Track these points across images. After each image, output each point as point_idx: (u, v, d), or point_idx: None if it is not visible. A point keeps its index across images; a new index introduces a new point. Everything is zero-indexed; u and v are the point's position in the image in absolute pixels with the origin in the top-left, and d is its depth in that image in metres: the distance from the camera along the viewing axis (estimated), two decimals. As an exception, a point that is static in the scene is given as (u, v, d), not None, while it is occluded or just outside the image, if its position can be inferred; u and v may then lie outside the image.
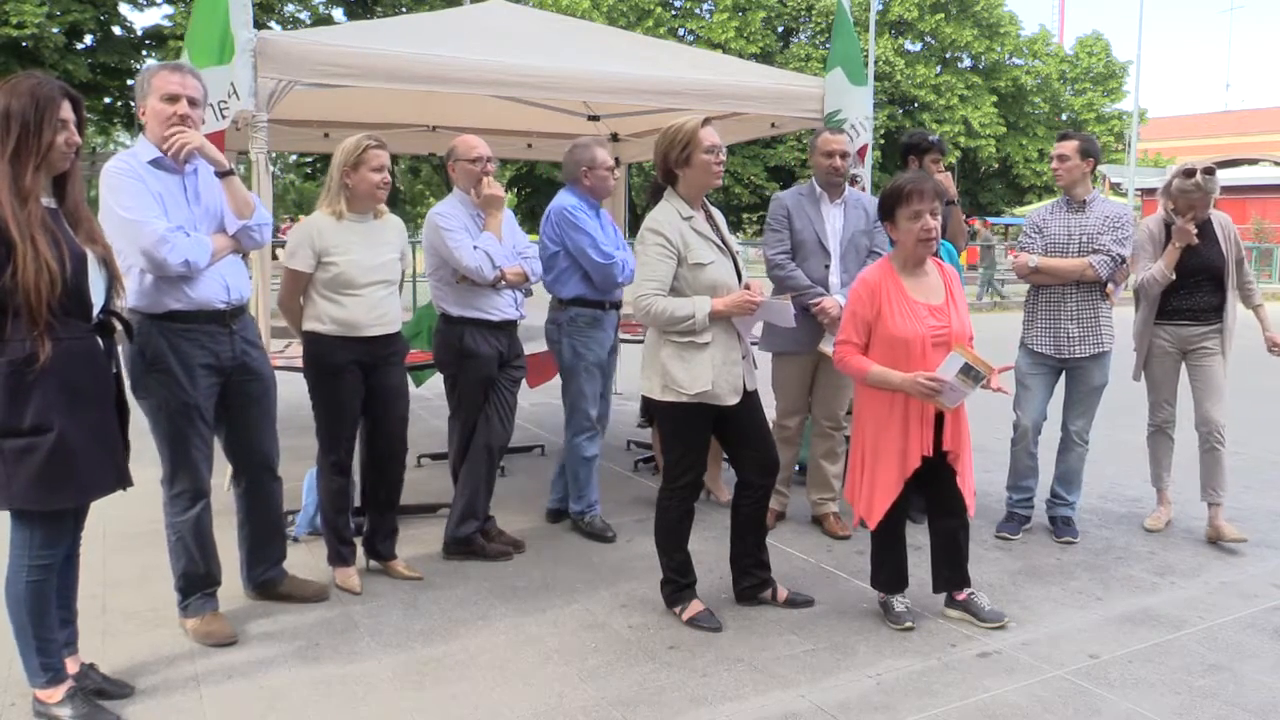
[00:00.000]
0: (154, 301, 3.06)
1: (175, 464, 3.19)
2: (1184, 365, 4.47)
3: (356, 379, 3.68)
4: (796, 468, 4.90)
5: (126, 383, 2.87)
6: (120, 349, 3.02)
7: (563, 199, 4.38)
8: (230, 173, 3.18)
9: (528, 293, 4.30)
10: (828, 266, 4.39)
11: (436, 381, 4.67)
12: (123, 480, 2.70)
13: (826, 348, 4.34)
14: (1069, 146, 4.35)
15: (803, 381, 4.53)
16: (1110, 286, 4.35)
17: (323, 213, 3.65)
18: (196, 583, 3.28)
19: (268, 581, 3.57)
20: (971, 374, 3.23)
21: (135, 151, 3.11)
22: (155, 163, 3.07)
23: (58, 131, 2.49)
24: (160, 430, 3.16)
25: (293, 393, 4.59)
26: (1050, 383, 4.47)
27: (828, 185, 4.43)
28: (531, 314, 4.58)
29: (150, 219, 2.96)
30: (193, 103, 3.09)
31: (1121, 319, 4.29)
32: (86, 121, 2.65)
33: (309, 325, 3.66)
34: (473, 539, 4.10)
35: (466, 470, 4.10)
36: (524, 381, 4.34)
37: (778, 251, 4.44)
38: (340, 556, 3.80)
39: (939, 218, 3.35)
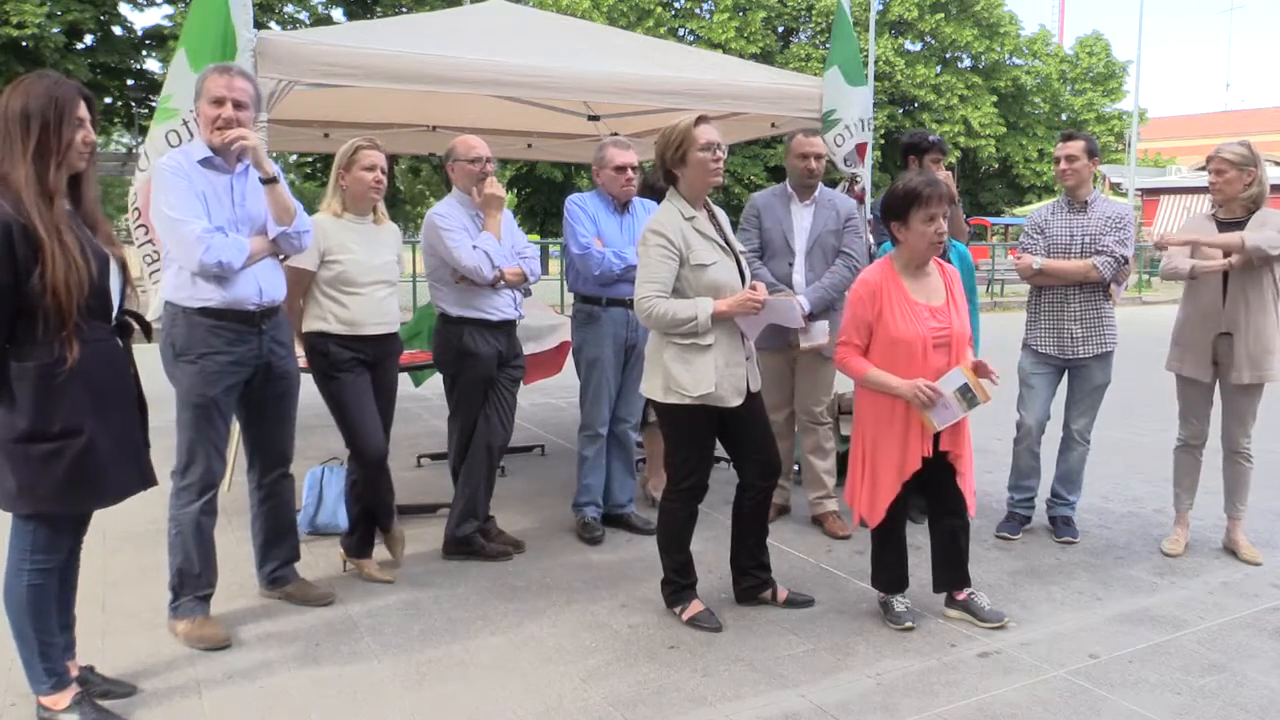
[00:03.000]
0: (189, 295, 3.13)
1: (189, 454, 3.22)
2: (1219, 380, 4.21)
3: (363, 374, 3.76)
4: (795, 467, 4.91)
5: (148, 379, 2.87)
6: (162, 341, 3.18)
7: (574, 195, 4.46)
8: (275, 180, 3.22)
9: (526, 292, 4.31)
10: (791, 265, 4.44)
11: (436, 381, 4.67)
12: (147, 480, 2.70)
13: (805, 344, 4.37)
14: (1076, 147, 4.31)
15: (782, 375, 4.59)
16: (1113, 287, 4.32)
17: (324, 213, 3.76)
18: (189, 583, 3.28)
19: (278, 579, 3.61)
20: (967, 396, 3.27)
21: (188, 150, 3.19)
22: (205, 162, 3.14)
23: (76, 130, 2.50)
24: (182, 418, 3.22)
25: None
26: (1053, 382, 4.47)
27: (801, 186, 4.49)
28: (531, 313, 4.58)
29: (190, 218, 3.03)
30: (239, 105, 3.15)
31: (1127, 318, 4.29)
32: (98, 121, 2.66)
33: (313, 325, 3.71)
34: (472, 539, 4.10)
35: (466, 470, 4.10)
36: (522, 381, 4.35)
37: (744, 251, 4.50)
38: (382, 525, 3.90)
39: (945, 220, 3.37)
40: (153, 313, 3.73)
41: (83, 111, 2.52)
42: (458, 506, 4.12)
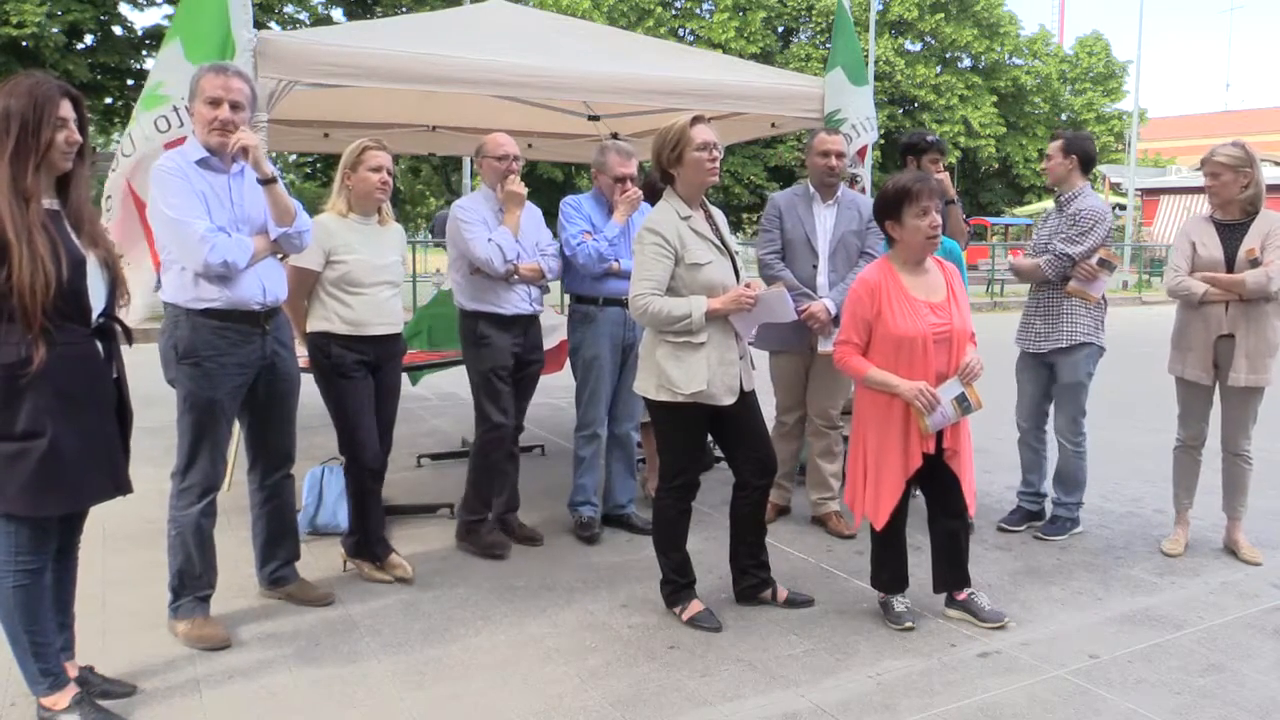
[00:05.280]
0: (192, 297, 3.12)
1: (191, 456, 3.21)
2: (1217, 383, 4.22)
3: (367, 378, 3.78)
4: (800, 468, 4.90)
5: (133, 384, 2.87)
6: (164, 344, 3.15)
7: (569, 196, 4.47)
8: (273, 180, 3.20)
9: (544, 289, 4.33)
10: (815, 266, 4.42)
11: (436, 381, 4.67)
12: (120, 487, 2.66)
13: (825, 348, 4.36)
14: (1054, 145, 4.47)
15: (797, 378, 4.58)
16: (1072, 284, 4.32)
17: (329, 213, 3.77)
18: (190, 583, 3.27)
19: (280, 579, 3.61)
20: (963, 404, 3.31)
21: (184, 150, 3.18)
22: (202, 162, 3.14)
23: (57, 130, 2.47)
24: (183, 421, 3.20)
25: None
26: (1039, 378, 4.53)
27: (822, 185, 4.46)
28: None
29: (193, 218, 3.03)
30: (235, 106, 3.14)
31: (1127, 318, 4.28)
32: (89, 121, 2.63)
33: (318, 325, 3.73)
34: (471, 528, 4.17)
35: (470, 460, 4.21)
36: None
37: (767, 252, 4.50)
38: (373, 554, 3.88)
39: (939, 215, 3.38)
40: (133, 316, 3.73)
41: (65, 111, 2.49)
42: (465, 495, 4.24)
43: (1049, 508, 4.62)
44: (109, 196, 4.19)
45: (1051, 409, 4.56)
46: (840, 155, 4.41)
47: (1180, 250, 4.21)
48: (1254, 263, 3.96)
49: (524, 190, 4.12)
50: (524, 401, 4.35)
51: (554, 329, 5.76)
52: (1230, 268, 4.03)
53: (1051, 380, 4.50)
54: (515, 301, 4.12)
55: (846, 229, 4.43)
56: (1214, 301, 4.05)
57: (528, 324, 4.21)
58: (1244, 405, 4.15)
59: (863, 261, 4.46)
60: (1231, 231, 4.06)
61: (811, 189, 4.49)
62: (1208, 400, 4.25)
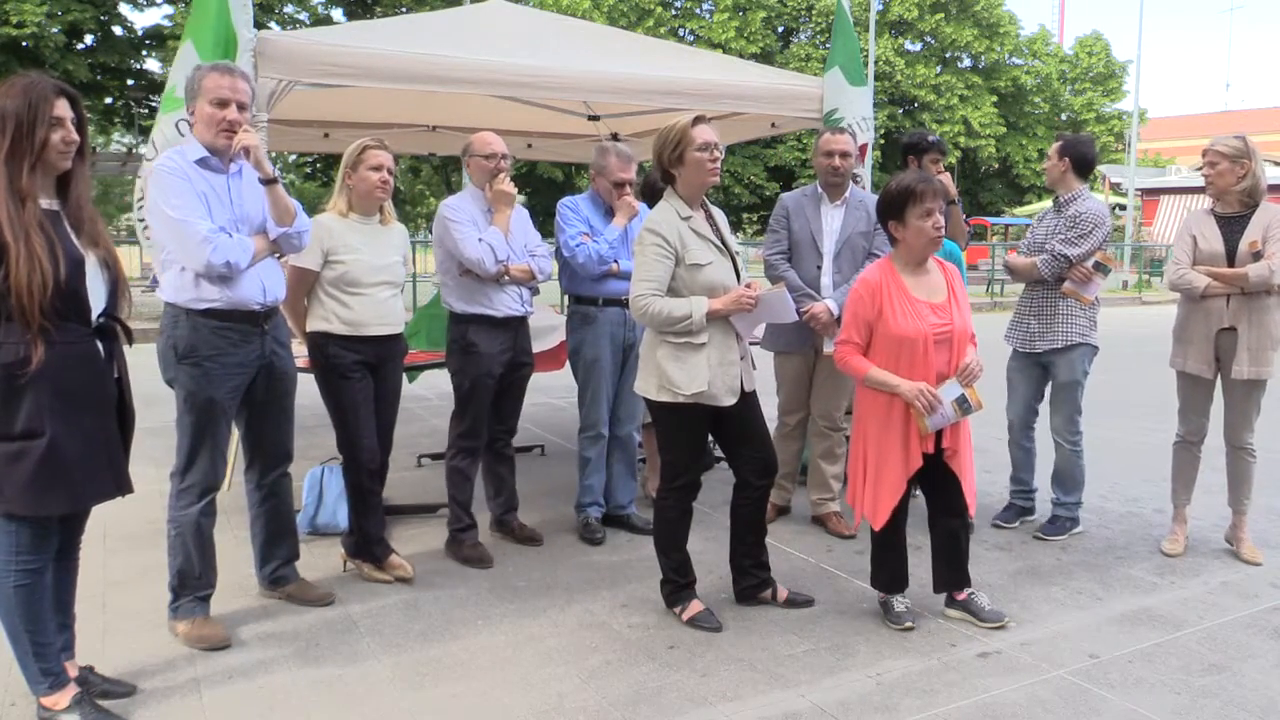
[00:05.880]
0: (192, 297, 3.12)
1: (191, 456, 3.21)
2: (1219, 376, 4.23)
3: (366, 378, 3.76)
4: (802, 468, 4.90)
5: (133, 384, 2.87)
6: (163, 343, 3.15)
7: (566, 198, 4.45)
8: (274, 181, 3.20)
9: (535, 290, 4.31)
10: (819, 267, 4.41)
11: (436, 380, 4.67)
12: (121, 486, 2.66)
13: (830, 349, 4.36)
14: (1052, 147, 4.52)
15: (801, 379, 4.56)
16: (1067, 285, 4.32)
17: (330, 213, 3.76)
18: (190, 584, 3.27)
19: (279, 579, 3.61)
20: (963, 405, 3.31)
21: (183, 150, 3.17)
22: (201, 162, 3.14)
23: (52, 129, 2.47)
24: (183, 421, 3.20)
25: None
26: (1032, 377, 4.53)
27: (828, 185, 4.45)
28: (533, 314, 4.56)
29: (195, 219, 3.03)
30: (241, 106, 3.15)
31: (1126, 317, 4.27)
32: (88, 121, 2.63)
33: (317, 325, 3.72)
34: (454, 538, 4.14)
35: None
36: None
37: (774, 253, 4.50)
38: (373, 555, 3.86)
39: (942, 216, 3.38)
40: None
41: (62, 110, 2.49)
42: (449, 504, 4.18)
43: (1042, 503, 4.62)
44: (141, 199, 4.20)
45: (1041, 408, 4.57)
46: (845, 155, 4.39)
47: (1181, 244, 4.22)
48: (1256, 255, 3.96)
49: (514, 190, 4.06)
50: (517, 403, 4.32)
51: (554, 329, 5.76)
52: (1231, 260, 4.04)
53: (1045, 380, 4.51)
54: (507, 303, 4.08)
55: (854, 230, 4.41)
56: (1216, 295, 4.06)
57: (519, 326, 4.18)
58: (1246, 398, 4.15)
59: (868, 263, 4.45)
60: (1231, 224, 4.07)
61: (819, 189, 4.49)
62: (1208, 394, 4.25)
